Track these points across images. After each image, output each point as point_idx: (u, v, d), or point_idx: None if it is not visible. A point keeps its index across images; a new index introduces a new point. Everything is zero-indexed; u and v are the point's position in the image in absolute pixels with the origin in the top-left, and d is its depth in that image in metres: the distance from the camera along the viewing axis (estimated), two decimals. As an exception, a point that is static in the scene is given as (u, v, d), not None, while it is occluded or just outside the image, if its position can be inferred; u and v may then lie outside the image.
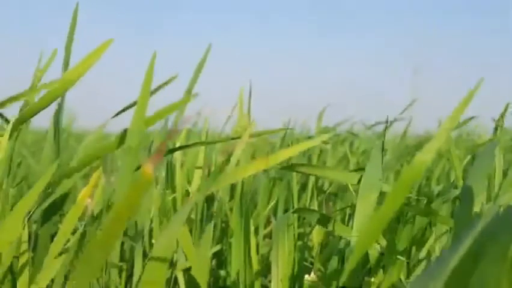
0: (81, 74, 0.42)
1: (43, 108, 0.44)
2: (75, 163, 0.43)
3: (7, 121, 0.51)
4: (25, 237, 0.46)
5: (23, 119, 0.45)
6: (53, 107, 0.63)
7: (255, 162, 0.26)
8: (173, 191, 0.86)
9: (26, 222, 0.47)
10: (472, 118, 0.56)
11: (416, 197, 0.90)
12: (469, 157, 0.91)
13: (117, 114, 0.60)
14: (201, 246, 0.46)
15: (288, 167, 0.59)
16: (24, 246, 0.45)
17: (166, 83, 0.67)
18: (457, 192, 0.61)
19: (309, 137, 1.51)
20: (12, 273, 0.54)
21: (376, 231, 0.21)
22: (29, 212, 0.54)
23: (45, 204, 0.52)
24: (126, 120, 0.61)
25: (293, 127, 1.38)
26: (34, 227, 0.63)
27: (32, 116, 0.45)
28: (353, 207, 0.77)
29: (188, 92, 0.68)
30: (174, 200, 0.84)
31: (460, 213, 0.35)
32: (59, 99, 0.59)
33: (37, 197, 0.36)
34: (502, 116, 0.58)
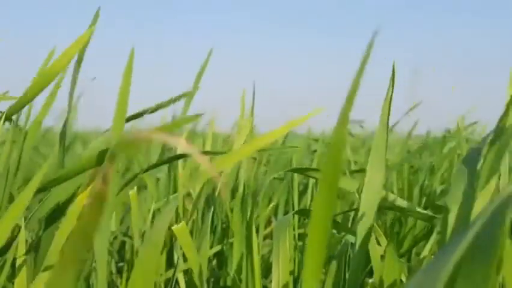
0: (65, 64, 0.42)
1: (33, 98, 0.44)
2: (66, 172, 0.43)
3: (1, 112, 0.51)
4: (23, 238, 0.45)
5: (16, 109, 0.45)
6: (57, 107, 0.63)
7: (245, 146, 0.26)
8: (175, 191, 0.86)
9: (24, 222, 0.47)
10: (475, 123, 0.56)
11: (418, 196, 0.89)
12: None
13: (127, 121, 0.60)
14: (200, 246, 0.46)
15: (290, 170, 0.59)
16: (23, 247, 0.45)
17: (181, 96, 0.67)
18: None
19: (312, 139, 1.51)
20: (13, 273, 0.54)
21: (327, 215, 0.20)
22: (28, 212, 0.54)
23: (48, 206, 0.52)
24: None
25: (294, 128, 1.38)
26: (36, 228, 0.62)
27: (23, 106, 0.45)
28: (354, 208, 0.77)
29: (190, 96, 0.68)
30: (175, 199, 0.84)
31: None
32: (67, 99, 0.59)
33: (31, 196, 0.36)
34: (505, 115, 0.57)
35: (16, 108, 0.45)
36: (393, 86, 0.42)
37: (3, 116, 0.44)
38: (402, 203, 0.52)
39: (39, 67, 0.56)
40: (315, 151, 1.31)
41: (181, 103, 0.75)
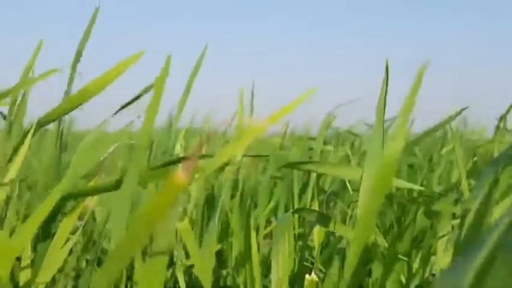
0: (103, 86, 0.41)
1: (62, 115, 0.44)
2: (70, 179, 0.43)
3: (4, 117, 0.51)
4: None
5: (43, 123, 0.45)
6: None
7: (252, 128, 0.25)
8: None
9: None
10: (464, 109, 0.54)
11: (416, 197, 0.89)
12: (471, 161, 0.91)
13: (117, 112, 0.60)
14: (205, 243, 0.46)
15: (289, 164, 0.59)
16: (26, 249, 0.45)
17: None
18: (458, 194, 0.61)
19: (311, 138, 1.50)
20: (13, 273, 0.54)
21: (369, 224, 0.20)
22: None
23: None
24: (121, 120, 0.61)
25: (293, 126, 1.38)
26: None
27: (52, 121, 0.45)
28: (353, 206, 0.77)
29: (186, 91, 0.68)
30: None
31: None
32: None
33: (43, 219, 0.35)
34: (504, 115, 0.58)
35: (52, 117, 0.45)
36: (387, 82, 0.43)
37: (35, 125, 0.44)
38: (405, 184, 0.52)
39: (26, 65, 0.56)
40: (311, 149, 1.30)
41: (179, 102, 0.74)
